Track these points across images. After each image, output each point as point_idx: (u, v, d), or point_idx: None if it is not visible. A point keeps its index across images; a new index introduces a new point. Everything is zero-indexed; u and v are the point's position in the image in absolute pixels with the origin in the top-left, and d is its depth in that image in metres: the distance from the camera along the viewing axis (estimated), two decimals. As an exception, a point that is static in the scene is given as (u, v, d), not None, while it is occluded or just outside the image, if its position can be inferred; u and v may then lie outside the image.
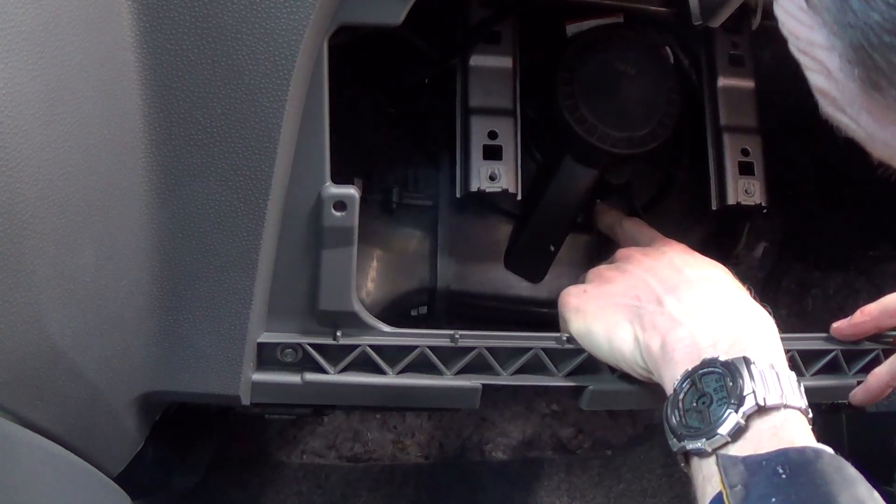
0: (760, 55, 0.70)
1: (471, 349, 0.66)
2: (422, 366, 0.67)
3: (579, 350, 0.67)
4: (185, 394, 0.64)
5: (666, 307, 0.62)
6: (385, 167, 0.81)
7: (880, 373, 0.71)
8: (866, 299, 1.12)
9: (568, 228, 0.81)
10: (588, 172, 0.77)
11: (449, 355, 0.67)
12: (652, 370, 0.61)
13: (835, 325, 0.73)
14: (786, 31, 0.39)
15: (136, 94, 0.53)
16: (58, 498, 0.57)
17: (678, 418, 0.56)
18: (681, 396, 0.57)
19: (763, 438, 0.53)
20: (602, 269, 0.70)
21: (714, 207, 0.78)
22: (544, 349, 0.67)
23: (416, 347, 0.66)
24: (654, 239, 0.74)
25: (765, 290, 1.22)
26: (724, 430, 0.53)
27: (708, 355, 0.57)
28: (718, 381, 0.55)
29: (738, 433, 0.53)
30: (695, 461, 0.55)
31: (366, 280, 0.78)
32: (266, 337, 0.65)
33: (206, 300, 0.60)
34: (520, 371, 0.68)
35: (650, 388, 0.65)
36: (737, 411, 0.53)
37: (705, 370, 0.56)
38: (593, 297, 0.67)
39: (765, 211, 0.77)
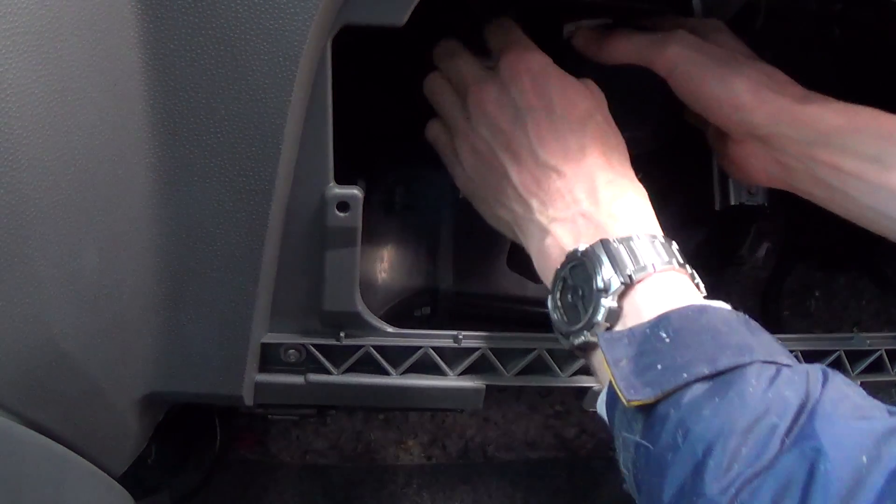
0: (763, 55, 0.69)
1: (474, 350, 0.67)
2: (425, 366, 0.67)
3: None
4: (189, 394, 0.64)
5: (534, 214, 0.60)
6: (388, 168, 0.81)
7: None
8: (869, 300, 1.12)
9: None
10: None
11: (452, 356, 0.67)
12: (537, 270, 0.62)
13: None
14: None
15: (139, 94, 0.53)
16: (61, 498, 0.57)
17: (559, 316, 0.57)
18: (557, 296, 0.57)
19: (643, 310, 0.52)
20: (469, 137, 0.65)
21: (717, 208, 0.78)
22: (548, 350, 0.67)
23: (419, 348, 0.66)
24: (497, 48, 0.66)
25: (768, 290, 1.22)
26: (599, 317, 0.53)
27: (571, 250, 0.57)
28: (584, 271, 0.55)
29: (614, 315, 0.53)
30: (589, 356, 0.55)
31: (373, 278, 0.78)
32: (269, 337, 0.65)
33: (209, 301, 0.60)
34: (523, 371, 0.68)
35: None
36: (606, 295, 0.53)
37: (571, 264, 0.56)
38: (477, 187, 0.66)
39: (767, 211, 0.77)
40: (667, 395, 0.46)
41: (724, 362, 0.46)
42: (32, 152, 0.46)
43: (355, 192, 0.59)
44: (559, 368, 0.68)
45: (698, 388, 0.46)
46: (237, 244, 0.58)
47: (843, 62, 0.80)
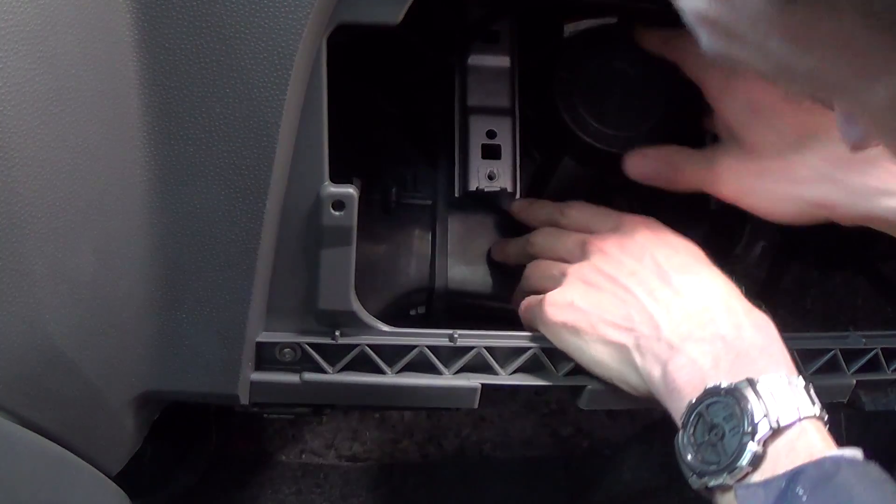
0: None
1: (470, 349, 0.66)
2: (421, 365, 0.67)
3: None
4: (184, 393, 0.64)
5: (663, 332, 0.59)
6: (383, 166, 0.80)
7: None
8: (865, 298, 1.12)
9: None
10: (586, 172, 0.77)
11: (448, 355, 0.67)
12: (656, 397, 0.60)
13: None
14: None
15: (134, 93, 0.53)
16: (56, 497, 0.57)
17: (693, 454, 0.55)
18: (691, 431, 0.55)
19: (780, 458, 0.51)
20: (583, 271, 0.65)
21: (713, 207, 0.78)
22: (543, 349, 0.67)
23: (414, 347, 0.66)
24: (611, 219, 0.69)
25: (763, 289, 1.22)
26: (744, 461, 0.52)
27: (710, 380, 0.56)
28: (726, 409, 0.53)
29: (758, 460, 0.52)
30: (717, 495, 0.54)
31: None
32: (265, 336, 0.65)
33: (204, 300, 0.60)
34: (519, 371, 0.68)
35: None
36: (753, 439, 0.52)
37: (710, 400, 0.55)
38: (584, 314, 0.63)
39: (763, 210, 0.77)
40: None
41: None
42: (27, 151, 0.46)
43: (350, 190, 0.59)
44: (554, 368, 0.68)
45: None
46: (232, 243, 0.58)
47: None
